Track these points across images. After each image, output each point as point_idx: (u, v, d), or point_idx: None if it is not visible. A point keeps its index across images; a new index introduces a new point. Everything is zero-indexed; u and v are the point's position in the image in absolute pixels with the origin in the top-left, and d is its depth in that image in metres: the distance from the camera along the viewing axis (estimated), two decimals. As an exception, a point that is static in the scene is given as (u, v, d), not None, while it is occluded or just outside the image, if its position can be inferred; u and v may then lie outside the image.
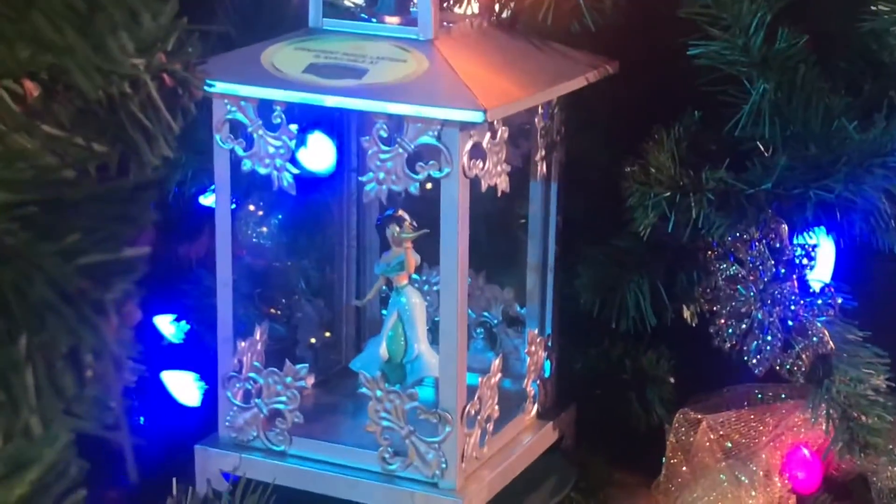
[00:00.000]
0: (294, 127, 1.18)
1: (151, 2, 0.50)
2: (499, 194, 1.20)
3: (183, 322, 1.46)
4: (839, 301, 1.27)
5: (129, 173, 0.58)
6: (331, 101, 1.15)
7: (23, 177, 0.47)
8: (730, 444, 1.31)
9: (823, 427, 1.29)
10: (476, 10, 1.31)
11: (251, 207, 1.35)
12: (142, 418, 1.46)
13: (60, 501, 0.45)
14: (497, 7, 1.31)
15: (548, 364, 1.35)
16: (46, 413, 0.45)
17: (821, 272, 1.30)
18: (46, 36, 0.47)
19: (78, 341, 0.45)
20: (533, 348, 1.33)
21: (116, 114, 0.59)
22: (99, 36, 0.48)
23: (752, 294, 1.28)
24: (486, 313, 1.39)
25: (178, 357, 1.48)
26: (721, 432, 1.31)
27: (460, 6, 1.31)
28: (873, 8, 1.23)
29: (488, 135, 1.16)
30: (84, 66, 0.48)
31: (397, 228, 1.27)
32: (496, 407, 1.25)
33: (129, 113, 0.59)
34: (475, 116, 1.10)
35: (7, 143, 0.52)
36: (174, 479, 0.87)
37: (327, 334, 1.42)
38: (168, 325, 1.48)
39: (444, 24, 1.21)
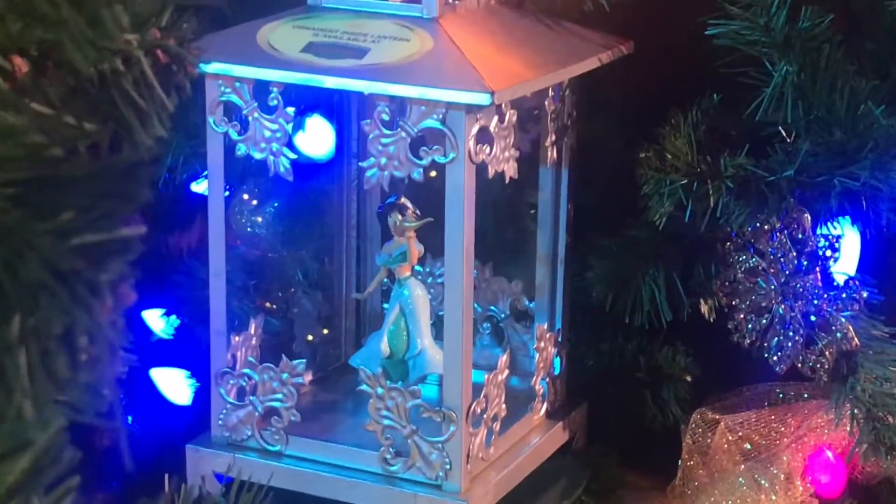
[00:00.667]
0: (291, 110, 1.19)
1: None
2: (507, 181, 1.20)
3: (173, 317, 1.47)
4: (864, 295, 1.27)
5: (121, 153, 0.59)
6: (330, 83, 1.15)
7: (15, 154, 0.48)
8: (749, 446, 1.32)
9: (848, 428, 1.29)
10: (483, -12, 1.31)
11: (246, 195, 1.36)
12: (130, 417, 1.46)
13: (53, 488, 0.46)
14: (505, -15, 1.32)
15: (558, 361, 1.36)
16: (39, 397, 0.46)
17: (845, 264, 1.31)
18: (40, 8, 0.48)
19: (72, 323, 0.46)
20: (542, 344, 1.33)
21: (108, 91, 0.60)
22: (93, 9, 0.49)
23: (772, 287, 1.28)
24: (492, 307, 1.40)
25: (168, 353, 1.49)
26: (740, 433, 1.32)
27: (468, -17, 1.32)
28: None
29: (496, 118, 1.16)
30: (78, 40, 0.49)
31: (400, 217, 1.28)
32: (503, 406, 1.25)
33: (121, 91, 0.60)
34: (482, 99, 1.10)
35: (-5, 121, 0.53)
36: (167, 476, 0.88)
37: (325, 330, 1.42)
38: (157, 320, 1.48)
39: (450, 1, 1.22)
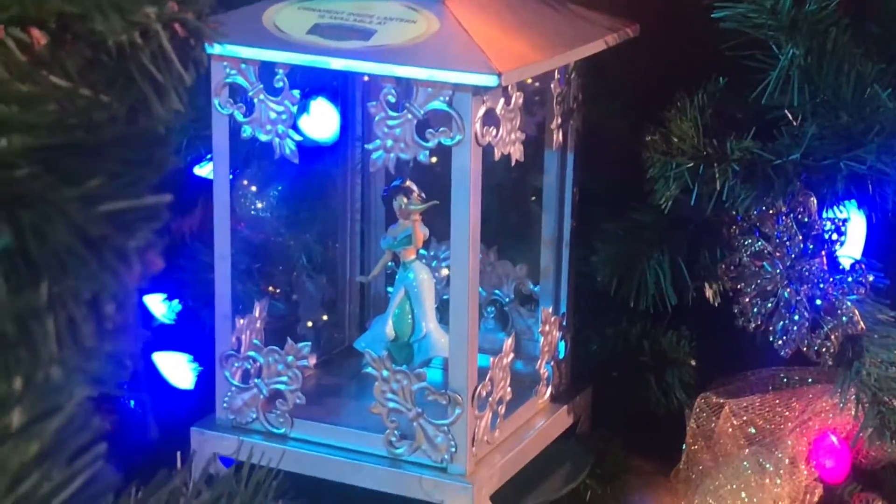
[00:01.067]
0: (297, 92, 1.19)
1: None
2: (512, 164, 1.21)
3: (175, 301, 1.47)
4: (870, 279, 1.28)
5: (144, 123, 0.59)
6: (336, 64, 1.16)
7: (45, 120, 0.48)
8: (753, 430, 1.32)
9: (853, 412, 1.29)
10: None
11: (250, 178, 1.36)
12: (133, 402, 1.47)
13: (80, 454, 0.47)
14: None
15: (562, 345, 1.36)
16: (67, 363, 0.46)
17: (851, 248, 1.31)
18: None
19: (100, 289, 0.46)
20: (547, 328, 1.34)
21: (126, 64, 0.60)
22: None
23: (778, 271, 1.28)
24: (497, 291, 1.40)
25: (171, 338, 1.49)
26: (744, 417, 1.32)
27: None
28: None
29: (502, 100, 1.17)
30: (103, 8, 0.50)
31: (405, 200, 1.28)
32: (508, 389, 1.26)
33: (139, 64, 0.60)
34: (489, 80, 1.11)
35: (15, 89, 0.53)
36: (178, 453, 0.88)
37: (330, 313, 1.43)
38: (159, 304, 1.49)
39: (456, -17, 1.23)
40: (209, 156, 1.27)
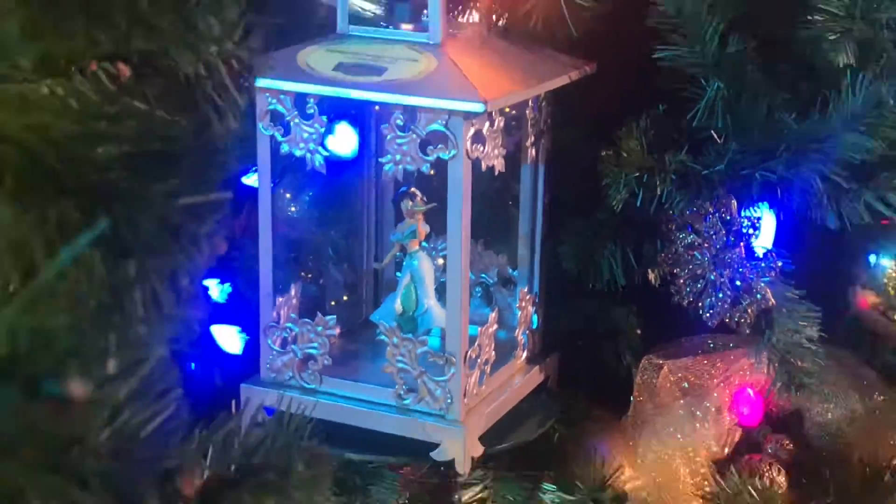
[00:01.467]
0: (324, 117, 1.19)
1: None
2: (496, 174, 1.21)
3: (227, 284, 1.47)
4: (779, 264, 1.28)
5: (211, 137, 0.60)
6: (356, 95, 1.16)
7: (129, 134, 0.49)
8: (686, 385, 1.32)
9: (765, 370, 1.30)
10: (477, 20, 1.31)
11: (286, 187, 1.36)
12: (193, 364, 1.46)
13: (162, 396, 0.48)
14: (494, 17, 1.32)
15: (535, 317, 1.37)
16: (151, 325, 0.47)
17: (764, 240, 1.31)
18: (151, 19, 0.49)
19: (176, 266, 0.47)
20: (523, 304, 1.34)
21: (193, 92, 0.61)
22: (191, 20, 0.50)
23: (706, 259, 1.28)
24: (483, 275, 1.40)
25: (224, 314, 1.49)
26: (679, 375, 1.32)
27: (464, 16, 1.31)
28: (809, 18, 1.23)
29: (487, 123, 1.17)
30: (176, 47, 0.50)
31: (410, 202, 1.28)
32: (492, 353, 1.26)
33: (203, 92, 0.61)
34: (477, 107, 1.11)
35: (105, 111, 0.54)
36: (233, 402, 0.88)
37: (348, 295, 1.42)
38: (215, 288, 1.48)
39: (450, 31, 1.22)
40: (254, 168, 1.27)
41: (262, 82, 1.17)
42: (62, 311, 0.42)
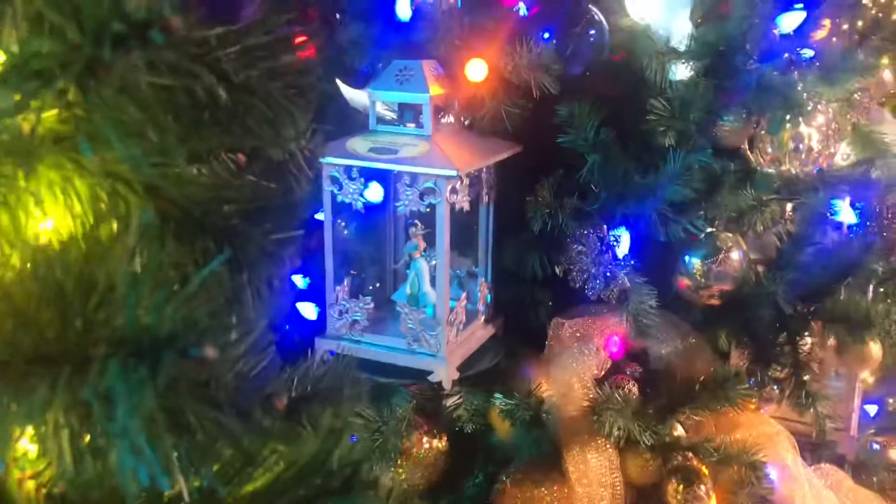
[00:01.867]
0: (363, 179, 1.19)
1: (302, 109, 0.52)
2: (465, 212, 1.21)
3: (307, 278, 1.46)
4: (632, 263, 1.29)
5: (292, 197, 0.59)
6: (382, 166, 1.16)
7: (241, 196, 0.49)
8: (579, 334, 1.33)
9: (625, 325, 1.30)
10: (452, 120, 1.32)
11: (341, 220, 1.36)
12: (287, 326, 1.46)
13: (263, 352, 0.48)
14: (462, 118, 1.32)
15: (489, 296, 1.36)
16: (257, 311, 0.47)
17: (623, 249, 1.32)
18: (255, 129, 0.49)
19: (271, 275, 0.47)
20: (482, 288, 1.34)
21: (282, 168, 0.60)
22: (279, 128, 0.50)
23: (589, 260, 1.29)
24: (457, 271, 1.40)
25: (305, 295, 1.48)
26: (574, 328, 1.33)
27: (445, 118, 1.32)
28: (648, 118, 1.24)
29: (459, 182, 1.17)
30: (273, 144, 0.50)
31: (414, 229, 1.28)
32: (464, 317, 1.26)
33: (288, 168, 0.61)
34: (453, 173, 1.12)
35: (233, 184, 0.54)
36: (308, 350, 0.88)
37: (379, 283, 1.41)
38: (299, 280, 1.48)
39: (437, 127, 1.23)
40: (320, 209, 1.26)
41: (326, 159, 1.17)
42: (203, 304, 0.42)
